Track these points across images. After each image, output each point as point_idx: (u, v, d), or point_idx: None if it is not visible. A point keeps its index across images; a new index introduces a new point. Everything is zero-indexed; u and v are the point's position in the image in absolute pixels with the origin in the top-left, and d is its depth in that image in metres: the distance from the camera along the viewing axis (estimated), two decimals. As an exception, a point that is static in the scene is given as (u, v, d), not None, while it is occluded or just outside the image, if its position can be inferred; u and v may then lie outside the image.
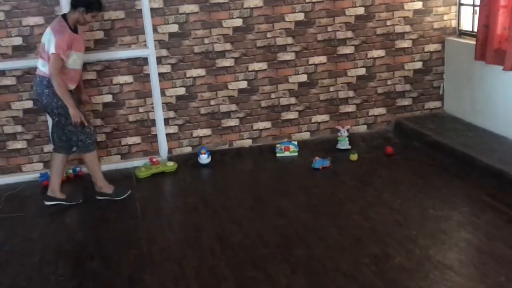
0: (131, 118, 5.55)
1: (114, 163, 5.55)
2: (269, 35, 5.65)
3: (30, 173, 5.42)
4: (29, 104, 5.32)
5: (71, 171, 5.40)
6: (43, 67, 4.56)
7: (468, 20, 5.90)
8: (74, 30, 4.60)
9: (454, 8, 5.96)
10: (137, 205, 4.72)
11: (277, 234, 4.01)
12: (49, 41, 4.46)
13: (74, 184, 5.27)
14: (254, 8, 5.56)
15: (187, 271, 3.64)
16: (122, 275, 3.67)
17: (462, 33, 5.98)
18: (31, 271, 3.79)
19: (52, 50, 4.42)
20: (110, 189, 4.88)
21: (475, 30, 5.51)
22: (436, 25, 5.98)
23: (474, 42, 5.40)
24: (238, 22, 5.56)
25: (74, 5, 4.54)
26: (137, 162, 5.53)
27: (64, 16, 4.61)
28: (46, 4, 5.18)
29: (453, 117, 5.99)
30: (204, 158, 5.49)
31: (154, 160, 5.45)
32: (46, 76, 4.53)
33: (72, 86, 4.71)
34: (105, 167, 5.43)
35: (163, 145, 5.62)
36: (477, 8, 5.43)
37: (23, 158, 5.42)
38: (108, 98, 5.45)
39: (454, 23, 6.01)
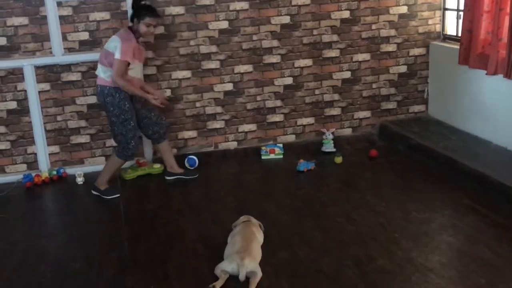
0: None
1: (99, 165, 5.51)
2: (254, 37, 5.67)
3: (13, 174, 5.38)
4: (13, 105, 5.29)
5: (54, 172, 5.36)
6: (103, 74, 4.73)
7: (453, 25, 5.96)
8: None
9: (438, 13, 6.01)
10: (121, 207, 4.70)
11: (260, 236, 4.01)
12: (115, 47, 4.63)
13: (58, 186, 5.25)
14: (240, 11, 5.57)
15: (169, 273, 3.63)
16: (104, 276, 3.65)
17: (447, 38, 6.03)
18: (12, 273, 3.76)
19: (117, 56, 4.60)
20: (103, 187, 4.95)
21: (459, 34, 5.55)
22: (420, 30, 6.03)
23: (458, 47, 5.45)
24: (224, 25, 5.58)
25: (131, 19, 4.80)
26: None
27: (130, 27, 4.79)
28: (31, 4, 5.15)
29: (437, 121, 6.04)
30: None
31: (141, 162, 5.44)
32: (107, 85, 4.70)
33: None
34: (90, 168, 5.43)
35: (147, 147, 5.60)
36: (461, 13, 5.47)
37: (6, 159, 5.39)
38: (93, 99, 5.41)
39: (438, 28, 6.06)
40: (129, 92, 4.73)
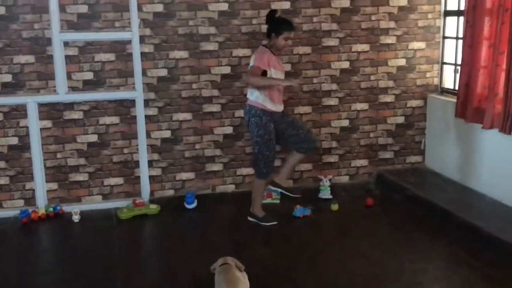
0: (115, 158, 5.58)
1: (96, 203, 5.55)
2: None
3: (10, 210, 5.40)
4: (14, 141, 5.35)
5: (51, 209, 5.38)
6: (250, 95, 5.00)
7: (450, 79, 6.07)
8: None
9: (436, 67, 6.14)
10: (116, 246, 4.70)
11: (252, 281, 3.97)
12: (252, 61, 4.94)
13: (54, 223, 5.26)
14: (242, 57, 5.69)
15: (161, 315, 3.62)
16: (95, 316, 3.64)
17: (444, 91, 6.13)
18: (3, 308, 3.75)
19: (251, 64, 4.93)
20: (261, 214, 5.16)
21: (457, 88, 5.65)
22: (419, 82, 6.14)
23: (455, 100, 5.54)
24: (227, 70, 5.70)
25: (267, 35, 5.01)
26: (118, 203, 5.52)
27: (265, 45, 5.05)
28: (38, 43, 5.27)
29: (434, 172, 6.09)
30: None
31: (137, 202, 5.45)
32: (255, 106, 4.95)
33: (280, 107, 5.10)
34: (87, 206, 5.45)
35: (145, 187, 5.63)
36: (459, 68, 5.59)
37: (4, 194, 5.41)
38: (94, 138, 5.49)
39: (436, 81, 6.17)
40: (261, 83, 4.86)
